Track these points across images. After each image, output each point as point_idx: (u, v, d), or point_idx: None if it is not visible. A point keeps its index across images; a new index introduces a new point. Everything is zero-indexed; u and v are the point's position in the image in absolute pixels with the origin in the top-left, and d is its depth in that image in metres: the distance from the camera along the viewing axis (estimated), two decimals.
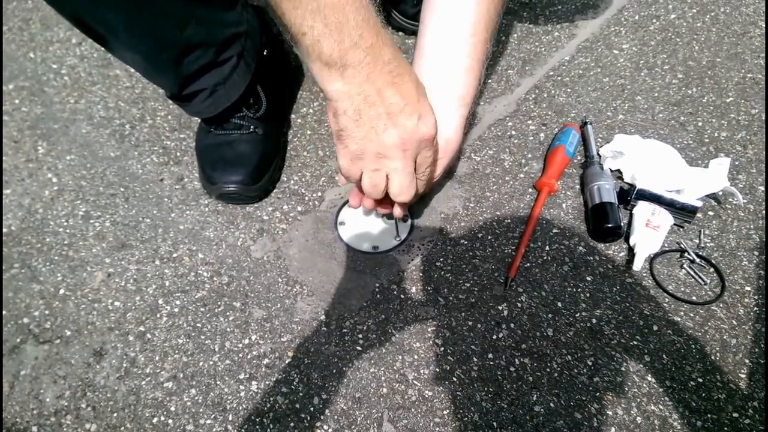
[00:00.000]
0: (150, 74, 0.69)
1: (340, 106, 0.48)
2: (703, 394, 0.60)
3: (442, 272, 0.70)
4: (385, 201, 0.65)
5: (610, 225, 0.69)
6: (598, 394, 0.61)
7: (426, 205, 0.77)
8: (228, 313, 0.68)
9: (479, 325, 0.66)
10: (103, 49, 0.62)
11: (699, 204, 0.70)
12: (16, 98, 0.92)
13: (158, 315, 0.68)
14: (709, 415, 0.59)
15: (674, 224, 0.72)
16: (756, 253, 0.70)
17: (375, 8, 0.46)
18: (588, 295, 0.68)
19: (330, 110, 0.51)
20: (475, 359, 0.63)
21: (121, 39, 0.59)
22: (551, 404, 0.60)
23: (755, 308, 0.66)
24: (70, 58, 0.98)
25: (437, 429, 0.59)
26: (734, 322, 0.65)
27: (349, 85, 0.46)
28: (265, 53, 0.77)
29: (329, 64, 0.45)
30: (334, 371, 0.63)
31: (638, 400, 0.60)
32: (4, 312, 0.69)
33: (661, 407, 0.59)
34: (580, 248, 0.72)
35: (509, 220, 0.75)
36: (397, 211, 0.67)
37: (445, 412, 0.60)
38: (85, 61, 0.98)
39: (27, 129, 0.88)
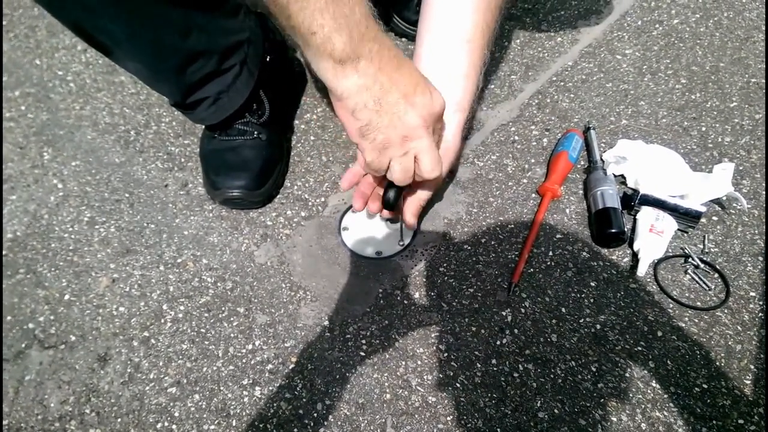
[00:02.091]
0: (153, 83, 0.69)
1: (359, 101, 0.49)
2: (708, 401, 0.60)
3: (446, 278, 0.70)
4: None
5: (613, 230, 0.69)
6: (602, 400, 0.60)
7: (429, 211, 0.77)
8: (232, 319, 0.68)
9: (483, 331, 0.66)
10: None
11: (703, 209, 0.70)
12: (22, 105, 0.93)
13: (162, 320, 0.68)
14: (714, 422, 0.58)
15: (678, 229, 0.72)
16: (760, 258, 0.70)
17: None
18: (592, 300, 0.68)
19: (345, 110, 0.51)
20: (479, 365, 0.63)
21: (123, 49, 0.60)
22: (555, 410, 0.60)
23: (760, 314, 0.65)
24: (76, 65, 0.99)
25: None
26: (739, 327, 0.65)
27: (365, 77, 0.47)
28: (268, 59, 0.77)
29: (342, 60, 0.45)
30: (338, 377, 0.63)
31: (643, 406, 0.60)
32: (9, 317, 0.69)
33: (665, 413, 0.59)
34: (584, 254, 0.72)
35: (512, 226, 0.75)
36: (410, 220, 0.67)
37: (448, 419, 0.60)
38: (91, 67, 0.99)
39: (33, 135, 0.88)
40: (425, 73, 0.62)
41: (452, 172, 0.79)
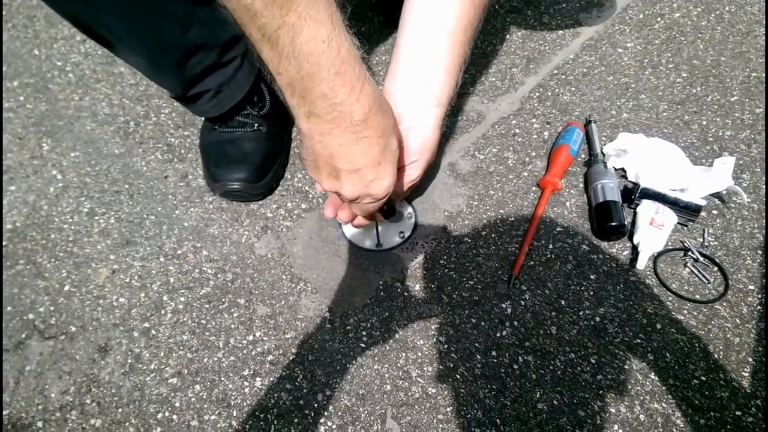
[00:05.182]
0: (154, 76, 0.69)
1: (304, 141, 0.49)
2: (706, 393, 0.60)
3: (446, 270, 0.70)
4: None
5: (614, 223, 0.69)
6: (601, 391, 0.61)
7: (430, 203, 0.77)
8: (232, 310, 0.68)
9: (483, 323, 0.66)
10: None
11: (703, 203, 0.70)
12: (21, 95, 0.92)
13: (163, 311, 0.68)
14: (711, 413, 0.59)
15: (678, 223, 0.72)
16: (760, 251, 0.70)
17: (359, 62, 0.44)
18: (591, 293, 0.68)
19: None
20: (479, 356, 0.64)
21: (124, 42, 0.59)
22: (554, 402, 0.60)
23: (759, 307, 0.66)
24: (75, 55, 0.98)
25: (440, 426, 0.59)
26: (737, 320, 0.65)
27: (312, 131, 0.46)
28: None
29: (299, 104, 0.45)
30: (338, 368, 0.63)
31: (641, 398, 0.60)
32: (9, 308, 0.69)
33: (664, 405, 0.60)
34: (584, 246, 0.72)
35: (513, 219, 0.75)
36: (359, 220, 0.66)
37: (448, 409, 0.60)
38: (90, 58, 0.98)
39: (32, 126, 0.88)
40: (405, 65, 0.61)
41: (431, 167, 0.78)
